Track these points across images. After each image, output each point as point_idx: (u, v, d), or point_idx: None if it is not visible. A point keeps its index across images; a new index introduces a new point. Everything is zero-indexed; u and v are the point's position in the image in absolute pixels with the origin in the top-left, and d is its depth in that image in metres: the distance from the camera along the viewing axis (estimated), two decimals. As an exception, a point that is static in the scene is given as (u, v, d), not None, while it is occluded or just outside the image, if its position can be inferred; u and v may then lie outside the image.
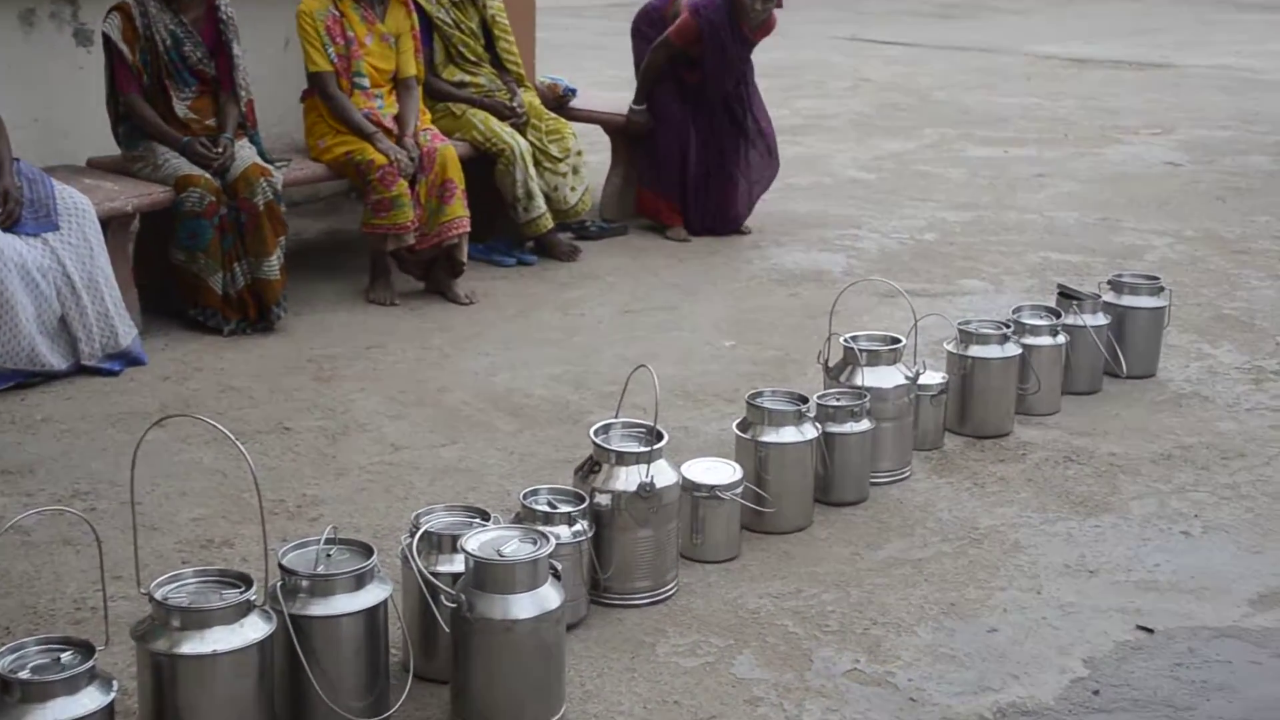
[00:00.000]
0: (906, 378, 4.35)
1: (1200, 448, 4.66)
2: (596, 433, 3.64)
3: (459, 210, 6.05)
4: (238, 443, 2.92)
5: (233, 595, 2.87)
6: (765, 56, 14.37)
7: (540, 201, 6.62)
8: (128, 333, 5.22)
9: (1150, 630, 3.51)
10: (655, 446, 3.56)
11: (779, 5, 7.05)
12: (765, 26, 7.14)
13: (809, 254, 6.98)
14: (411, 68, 6.25)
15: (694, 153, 7.12)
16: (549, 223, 6.66)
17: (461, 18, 6.73)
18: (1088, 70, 13.85)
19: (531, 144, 6.67)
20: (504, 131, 6.56)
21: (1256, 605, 3.65)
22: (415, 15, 6.30)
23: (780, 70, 13.67)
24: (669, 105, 7.16)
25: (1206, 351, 5.63)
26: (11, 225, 4.93)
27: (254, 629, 2.84)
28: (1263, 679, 3.31)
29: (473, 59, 6.80)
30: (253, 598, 2.88)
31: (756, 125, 7.29)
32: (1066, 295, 5.14)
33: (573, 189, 6.78)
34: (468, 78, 6.76)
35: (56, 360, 5.04)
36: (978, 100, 11.89)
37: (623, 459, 3.54)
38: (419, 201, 6.00)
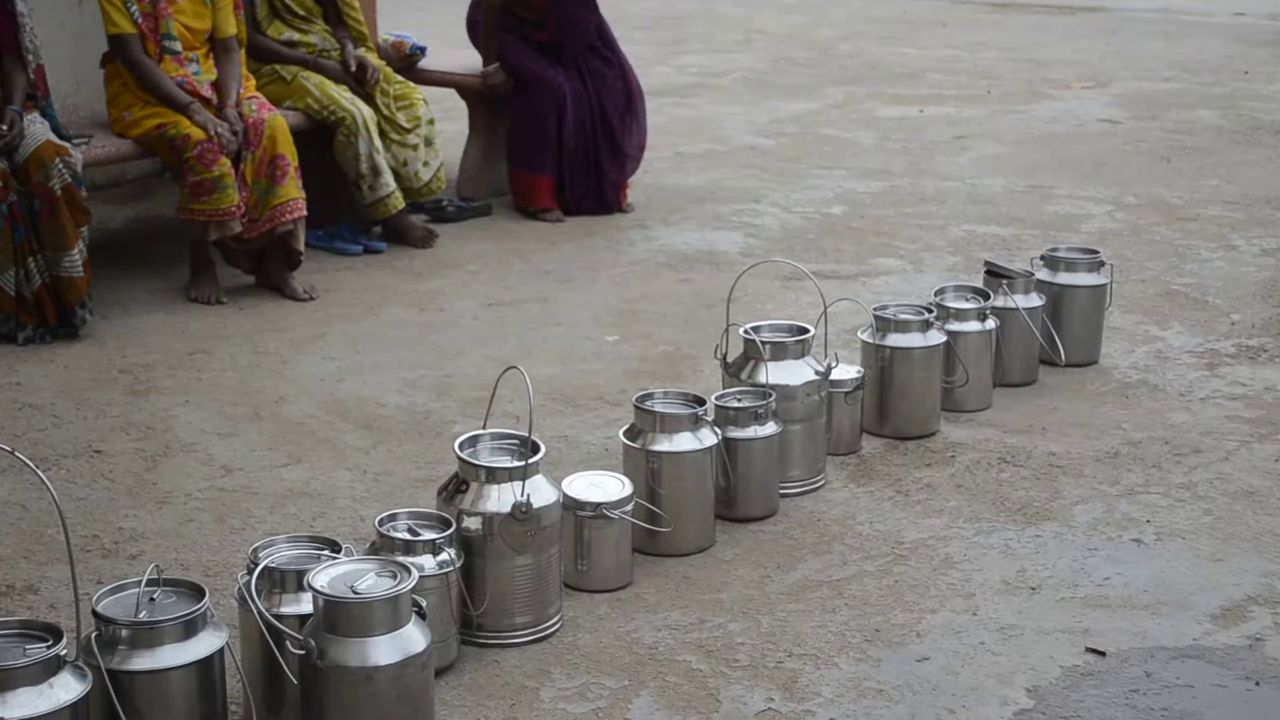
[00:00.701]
0: (817, 373, 4.38)
1: (1151, 443, 4.76)
2: (462, 446, 3.63)
3: (293, 191, 6.01)
4: (36, 469, 2.86)
5: (38, 650, 2.82)
6: (641, 5, 14.52)
7: (389, 178, 6.60)
8: (-99, 344, 5.12)
9: (1101, 653, 3.58)
10: (531, 460, 3.56)
11: None
12: None
13: (701, 233, 7.02)
14: (231, 26, 6.19)
15: (570, 118, 7.13)
16: (399, 202, 6.65)
17: (287, -36, 6.70)
18: (1011, 16, 14.08)
19: (376, 113, 6.64)
20: (343, 98, 6.53)
21: (1219, 621, 3.73)
22: (232, -36, 6.25)
23: (659, 21, 13.75)
24: (531, 65, 7.18)
25: (1154, 334, 5.75)
26: None
27: (65, 689, 2.80)
28: (1228, 703, 3.39)
29: (302, 13, 6.76)
30: (63, 652, 2.84)
31: (627, 84, 7.33)
32: (995, 274, 5.22)
33: (425, 164, 6.77)
34: (297, 35, 6.73)
35: None
36: (887, 53, 12.04)
37: (494, 476, 3.54)
38: (245, 182, 5.95)
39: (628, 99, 7.31)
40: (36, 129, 5.58)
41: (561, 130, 7.14)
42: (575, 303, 6.06)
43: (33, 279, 5.50)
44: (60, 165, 5.47)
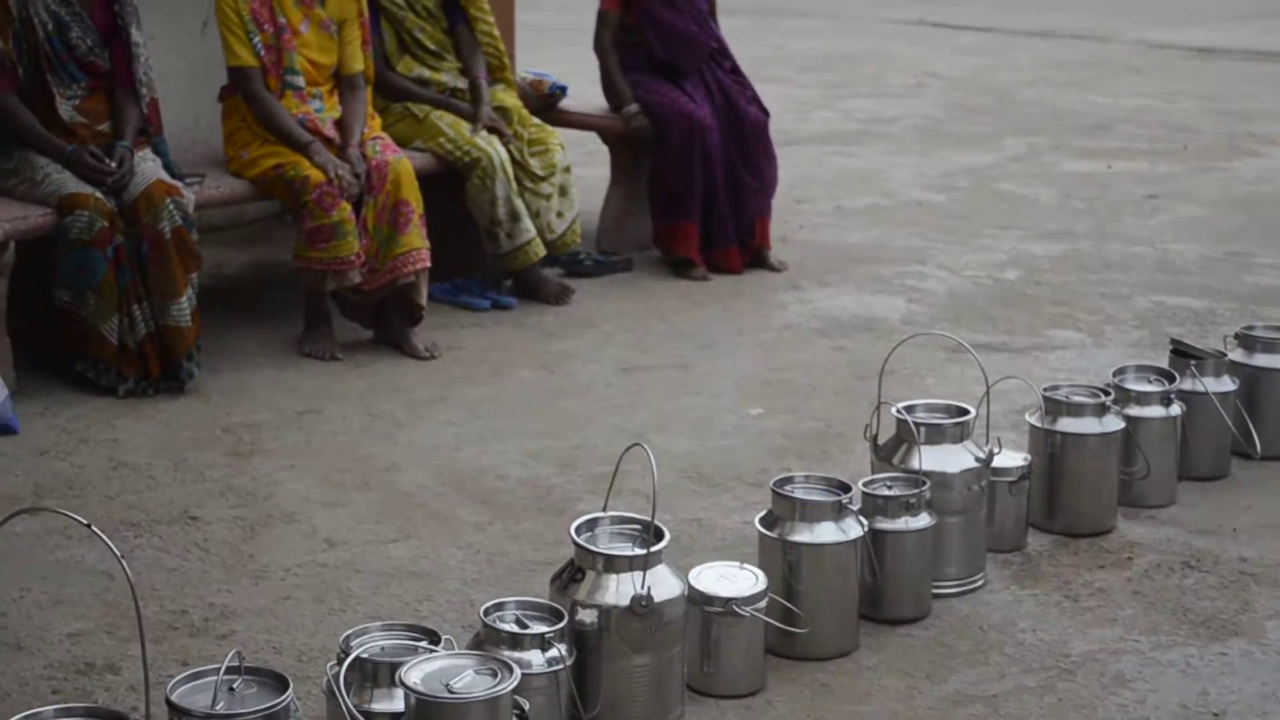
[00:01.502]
0: (977, 459, 4.29)
1: (1356, 550, 4.59)
2: (579, 530, 3.58)
3: (416, 240, 6.03)
4: (109, 542, 2.84)
5: (105, 743, 2.80)
6: (805, 44, 14.51)
7: (528, 224, 6.60)
8: (-5, 393, 5.18)
9: (1290, 790, 3.43)
10: (654, 548, 3.50)
11: None
12: None
13: (859, 297, 6.94)
14: (358, 61, 6.25)
15: (715, 152, 7.09)
16: (539, 250, 6.65)
17: (416, -7, 6.76)
18: (1212, 62, 13.85)
19: (510, 157, 6.64)
20: (478, 137, 6.54)
21: None
22: (364, -3, 6.31)
23: (825, 61, 13.72)
24: (667, 100, 7.17)
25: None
26: None
27: (132, 787, 2.77)
28: None
29: (433, 48, 6.80)
30: (131, 746, 2.82)
31: (755, 100, 7.31)
32: (1182, 354, 5.09)
33: (559, 214, 6.76)
34: (428, 73, 6.76)
35: (-101, 429, 4.99)
36: (1073, 101, 11.88)
37: (612, 564, 3.48)
38: (366, 229, 5.97)
39: (758, 117, 7.27)
40: (147, 167, 5.66)
41: (707, 168, 7.09)
42: (717, 370, 6.00)
43: (137, 327, 5.55)
44: (171, 206, 5.53)
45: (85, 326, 5.53)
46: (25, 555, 4.36)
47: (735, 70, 7.39)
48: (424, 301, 6.10)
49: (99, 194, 5.49)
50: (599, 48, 7.36)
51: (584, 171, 7.02)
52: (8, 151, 5.67)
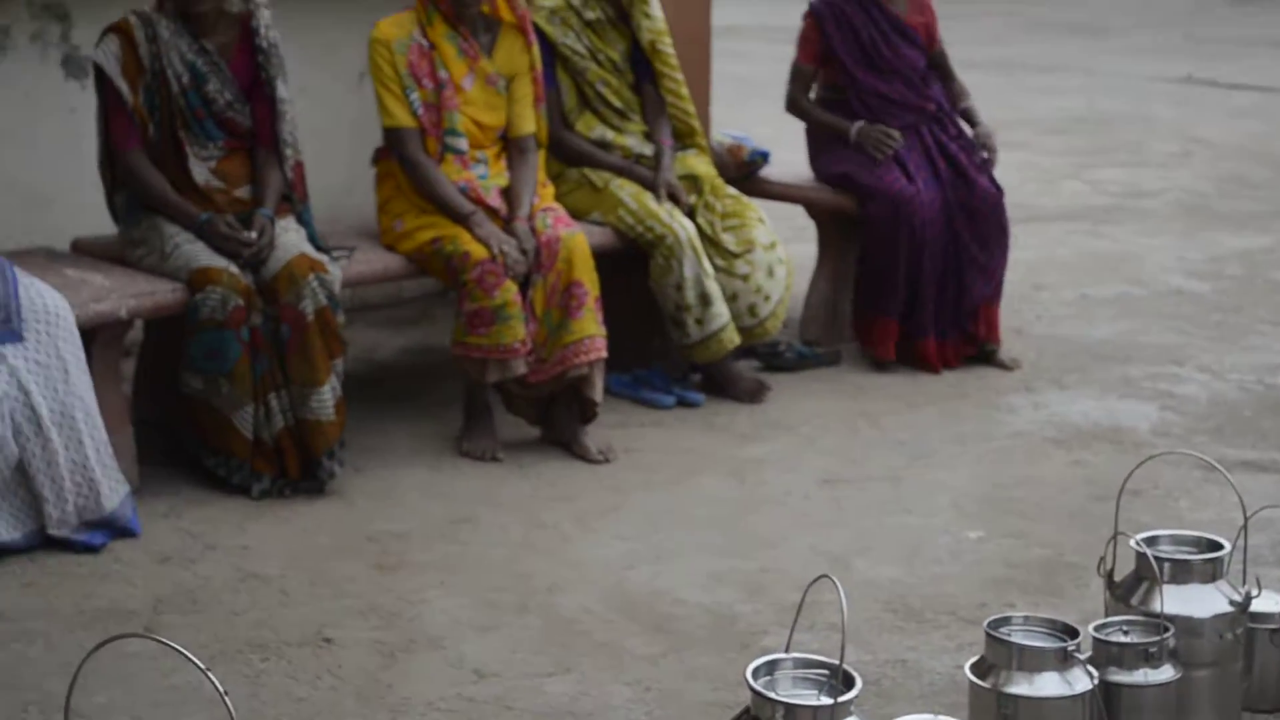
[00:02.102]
0: (1232, 602, 4.19)
1: None
2: (758, 672, 3.55)
3: (590, 326, 6.07)
4: (210, 676, 2.88)
5: None
6: (1052, 104, 14.41)
7: (722, 308, 6.62)
8: (115, 491, 5.28)
9: None
10: (841, 698, 3.46)
11: None
12: (920, 7, 7.43)
13: (1103, 401, 6.86)
14: (530, 122, 6.32)
15: (928, 236, 7.05)
16: (734, 339, 6.66)
17: (601, 45, 6.82)
18: None
19: (701, 232, 6.69)
20: (663, 211, 6.58)
21: None
22: (537, 48, 6.39)
23: (1076, 124, 13.62)
24: (867, 168, 7.19)
25: None
26: None
27: None
28: None
29: (618, 105, 6.86)
30: None
31: (989, 178, 7.28)
32: None
33: (764, 297, 6.76)
34: (611, 134, 6.82)
35: (5, 529, 5.10)
36: (1370, 174, 11.67)
37: (793, 715, 3.45)
38: (533, 313, 6.03)
39: (989, 188, 7.22)
40: (289, 239, 5.77)
41: (916, 254, 7.07)
42: (933, 484, 5.96)
43: (274, 420, 5.64)
44: (315, 284, 5.62)
45: (216, 417, 5.62)
46: (138, 679, 4.41)
47: (961, 135, 7.37)
48: (598, 397, 6.13)
49: (234, 268, 5.60)
50: (793, 107, 7.41)
51: (784, 250, 7.00)
52: (135, 218, 5.82)
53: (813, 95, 7.44)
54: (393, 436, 6.25)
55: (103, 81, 5.75)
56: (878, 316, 7.16)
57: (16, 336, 5.11)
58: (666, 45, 6.86)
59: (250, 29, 5.84)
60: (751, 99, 12.18)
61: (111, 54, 5.71)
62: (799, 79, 7.40)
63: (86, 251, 6.03)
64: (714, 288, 6.59)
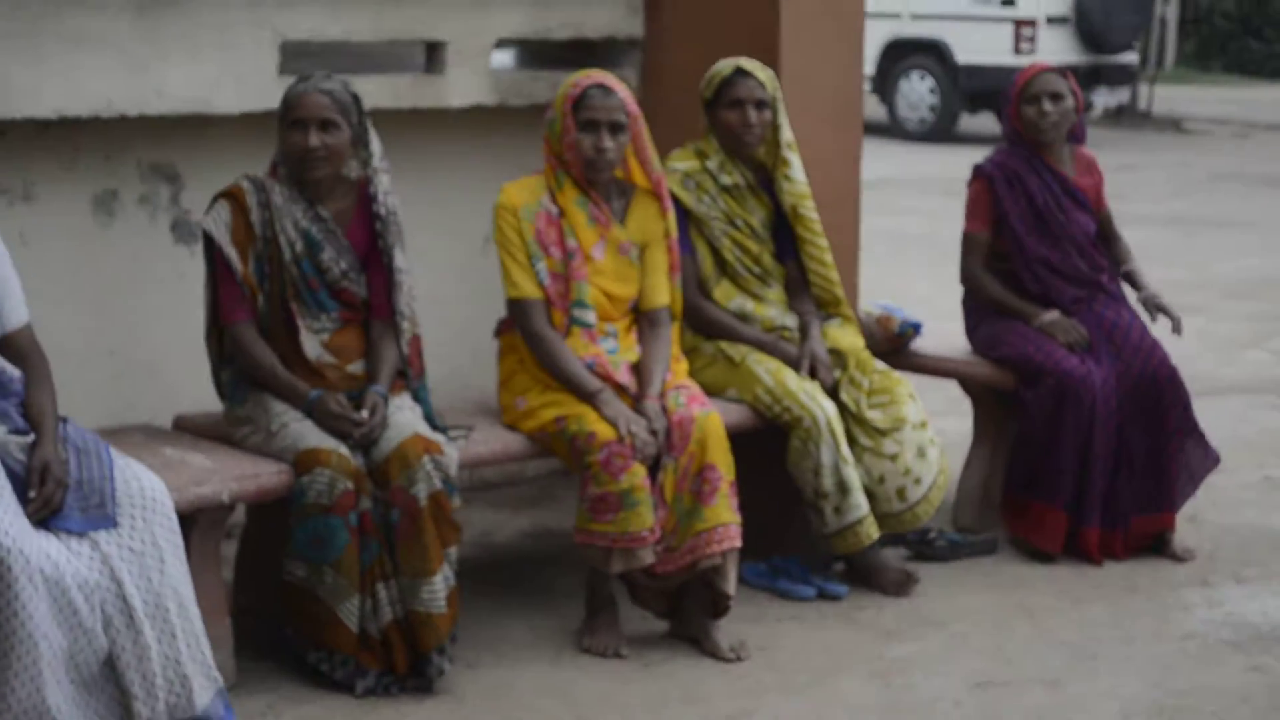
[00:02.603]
0: None
1: None
2: None
3: (724, 514, 6.01)
4: None
5: None
6: (1234, 265, 14.25)
7: (859, 499, 6.54)
8: (208, 687, 5.23)
9: None
10: None
11: (1081, 111, 7.29)
12: (1087, 167, 7.38)
13: (1288, 600, 6.71)
14: (664, 294, 6.31)
15: (1098, 417, 6.94)
16: (872, 533, 6.57)
17: (739, 210, 6.81)
18: None
19: (842, 410, 6.61)
20: (802, 391, 6.52)
21: None
22: (673, 214, 6.38)
23: (1260, 287, 13.52)
24: (1029, 343, 7.13)
25: None
26: (48, 517, 5.02)
27: None
28: None
29: (758, 272, 6.83)
30: None
31: (1157, 348, 7.15)
32: None
33: (913, 480, 6.68)
34: (751, 305, 6.78)
35: (90, 728, 5.06)
36: None
37: None
38: (663, 499, 5.98)
39: (1164, 360, 7.12)
40: (403, 417, 5.74)
41: (1084, 437, 6.95)
42: (1097, 691, 5.83)
43: (382, 612, 5.60)
44: (429, 466, 5.59)
45: (320, 608, 5.57)
46: None
47: (1130, 305, 7.28)
48: (731, 589, 6.05)
49: (344, 449, 5.58)
50: (968, 277, 7.36)
51: (940, 425, 6.92)
52: (241, 395, 5.82)
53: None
54: (509, 629, 6.20)
55: (211, 249, 5.78)
56: (1040, 505, 7.04)
57: (110, 522, 5.08)
58: (809, 209, 6.84)
59: (368, 195, 5.86)
60: (903, 255, 12.14)
61: (222, 221, 5.75)
62: (974, 250, 7.33)
63: (189, 429, 6.04)
64: (853, 475, 6.51)
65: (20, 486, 4.92)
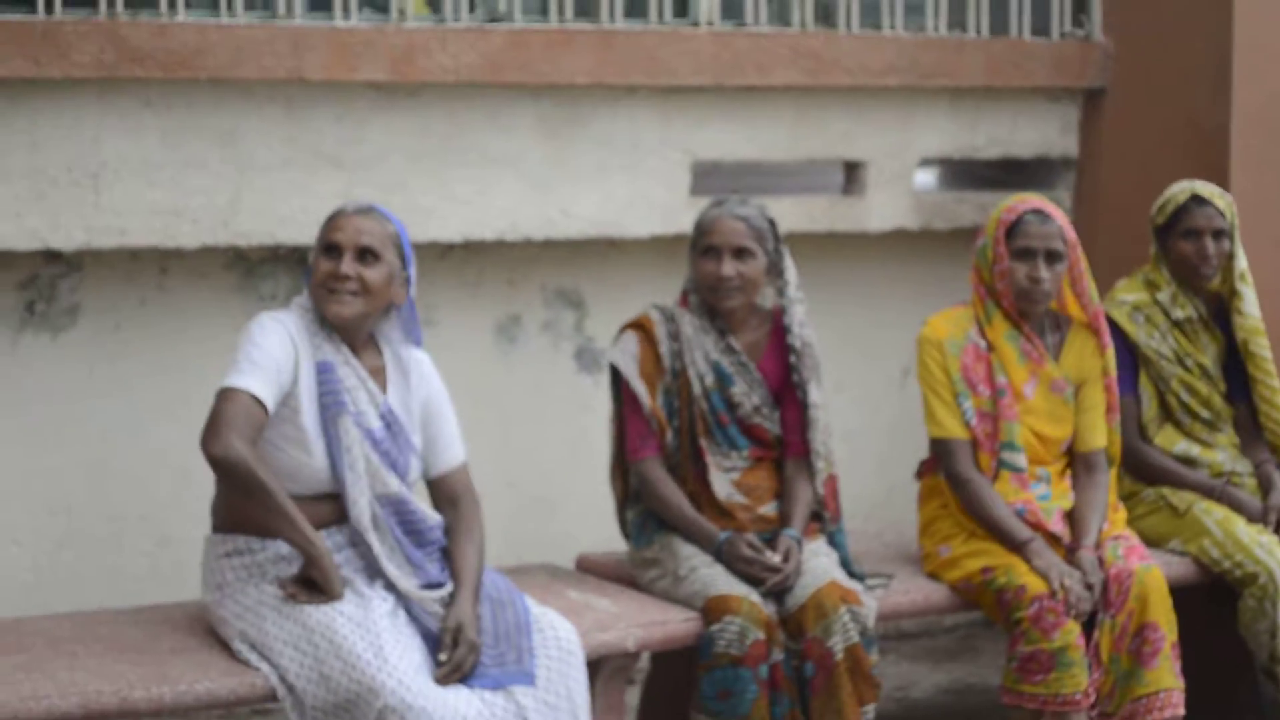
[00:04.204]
0: None
1: None
2: None
3: (1167, 678, 5.85)
4: None
5: None
6: None
7: (1316, 665, 6.29)
8: (606, 846, 5.21)
9: None
10: None
11: None
12: None
13: None
14: (1101, 435, 6.16)
15: None
16: (1327, 707, 6.30)
17: (1190, 347, 6.62)
18: None
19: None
20: (1256, 544, 6.30)
21: None
22: (1113, 350, 6.22)
23: None
24: None
25: None
26: (458, 680, 5.00)
27: None
28: None
29: (1206, 415, 6.64)
30: None
31: None
32: None
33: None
34: (1196, 449, 6.59)
35: None
36: None
37: None
38: (1099, 659, 5.82)
39: None
40: (819, 563, 5.66)
41: None
42: None
43: (799, 768, 5.53)
44: (846, 617, 5.50)
45: (726, 764, 5.52)
46: None
47: None
48: (1173, 759, 5.87)
49: (755, 596, 5.50)
50: None
51: None
52: (647, 536, 5.79)
53: None
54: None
55: (618, 382, 5.79)
56: None
57: (529, 679, 5.05)
58: (1260, 346, 6.63)
59: (781, 325, 5.82)
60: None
61: (629, 353, 5.75)
62: None
63: (592, 570, 6.04)
64: (1311, 639, 6.27)
65: (433, 643, 4.95)
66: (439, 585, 5.05)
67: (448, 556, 5.15)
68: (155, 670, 4.87)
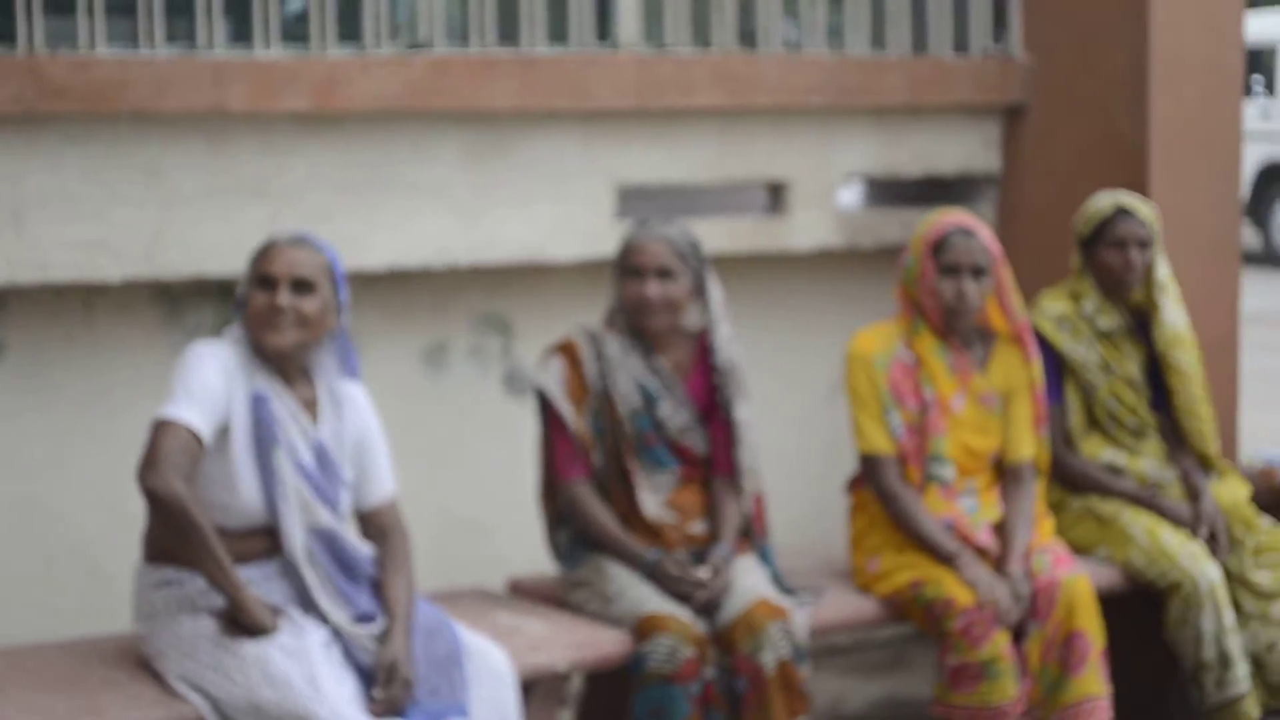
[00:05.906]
0: None
1: None
2: None
3: (1093, 686, 5.93)
4: None
5: None
6: None
7: (1241, 673, 6.38)
8: None
9: None
10: None
11: None
12: None
13: None
14: (1028, 446, 6.24)
15: None
16: (1252, 712, 6.40)
17: (1116, 357, 6.70)
18: None
19: (1227, 571, 6.48)
20: (1182, 552, 6.38)
21: None
22: (1039, 361, 6.32)
23: None
24: None
25: None
26: (391, 717, 5.03)
27: None
28: None
29: (1131, 424, 6.72)
30: None
31: None
32: None
33: (1300, 646, 6.51)
34: (1123, 458, 6.67)
35: None
36: None
37: None
38: (1028, 669, 5.90)
39: None
40: (748, 580, 5.72)
41: None
42: None
43: (725, 786, 5.57)
44: (776, 632, 5.56)
45: (655, 782, 5.57)
46: None
47: None
48: (1102, 769, 5.94)
49: (686, 614, 5.57)
50: None
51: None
52: (577, 556, 5.85)
53: None
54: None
55: (545, 405, 5.84)
56: None
57: (461, 710, 5.08)
58: (1178, 357, 6.73)
59: (707, 345, 5.89)
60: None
61: (556, 376, 5.81)
62: None
63: (524, 592, 6.09)
64: (1236, 645, 6.35)
65: (366, 677, 4.98)
66: (370, 617, 5.07)
67: (378, 589, 5.17)
68: (85, 703, 4.90)
